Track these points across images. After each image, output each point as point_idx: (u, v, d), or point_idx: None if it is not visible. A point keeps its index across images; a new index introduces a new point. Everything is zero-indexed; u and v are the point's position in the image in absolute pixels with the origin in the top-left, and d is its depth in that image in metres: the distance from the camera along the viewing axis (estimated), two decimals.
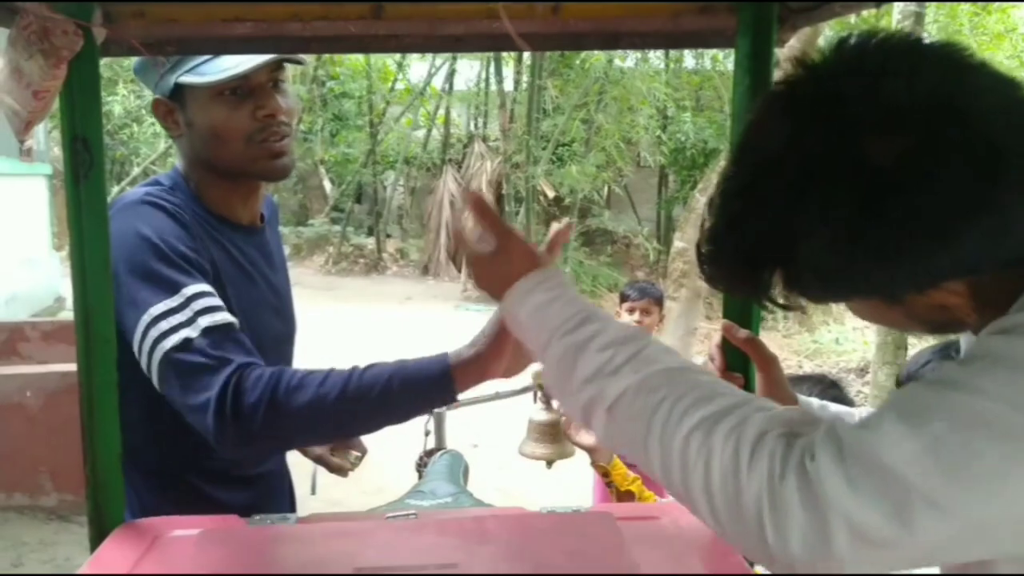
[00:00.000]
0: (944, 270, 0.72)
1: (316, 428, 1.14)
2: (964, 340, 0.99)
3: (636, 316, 3.76)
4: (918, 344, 5.27)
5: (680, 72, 13.94)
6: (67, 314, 9.58)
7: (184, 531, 1.05)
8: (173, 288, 1.19)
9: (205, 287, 1.22)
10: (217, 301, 1.22)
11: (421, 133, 16.14)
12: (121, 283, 1.20)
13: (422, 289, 13.66)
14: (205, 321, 1.17)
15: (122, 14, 1.09)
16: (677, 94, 13.44)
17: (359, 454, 1.82)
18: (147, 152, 15.45)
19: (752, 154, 0.77)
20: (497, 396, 2.27)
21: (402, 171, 16.20)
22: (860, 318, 0.87)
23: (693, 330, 8.61)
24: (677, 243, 8.91)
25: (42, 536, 4.19)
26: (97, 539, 1.09)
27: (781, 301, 0.80)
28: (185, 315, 1.17)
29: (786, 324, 13.09)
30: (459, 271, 14.03)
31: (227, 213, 1.44)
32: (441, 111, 15.57)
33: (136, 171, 15.61)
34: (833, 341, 11.90)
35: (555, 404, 2.07)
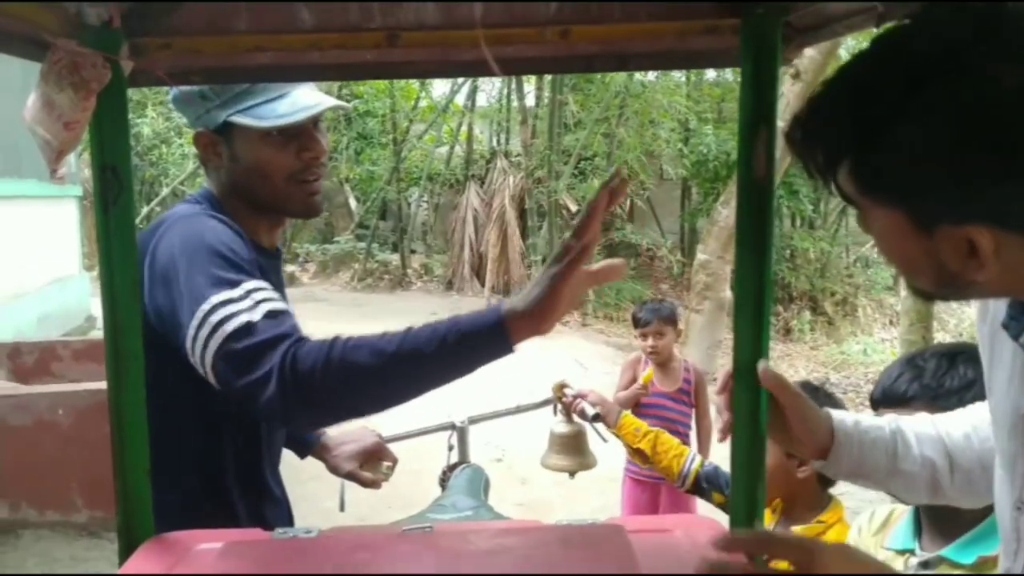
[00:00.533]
0: (997, 210, 0.75)
1: (375, 386, 1.11)
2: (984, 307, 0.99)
3: (650, 341, 3.72)
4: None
5: (701, 85, 13.94)
6: (98, 333, 9.73)
7: (210, 544, 1.08)
8: (233, 284, 1.22)
9: (263, 283, 1.26)
10: (275, 294, 1.25)
11: (444, 150, 16.24)
12: (181, 285, 1.24)
13: (447, 304, 13.71)
14: (266, 306, 1.19)
15: (149, 47, 1.14)
16: (698, 107, 13.45)
17: (390, 464, 1.85)
18: (176, 172, 15.68)
19: (893, 45, 0.80)
20: (519, 409, 2.29)
21: (426, 188, 16.31)
22: (881, 249, 0.88)
23: (718, 342, 8.57)
24: (700, 255, 8.89)
25: (73, 552, 4.25)
26: (127, 552, 1.13)
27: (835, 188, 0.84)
28: (246, 303, 1.19)
29: (813, 336, 13.01)
30: (482, 286, 14.08)
31: (254, 238, 1.50)
32: (464, 128, 15.68)
33: (165, 191, 15.84)
34: (860, 352, 11.80)
35: (575, 416, 2.09)
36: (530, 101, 14.30)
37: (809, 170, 0.85)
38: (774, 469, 1.71)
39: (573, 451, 2.01)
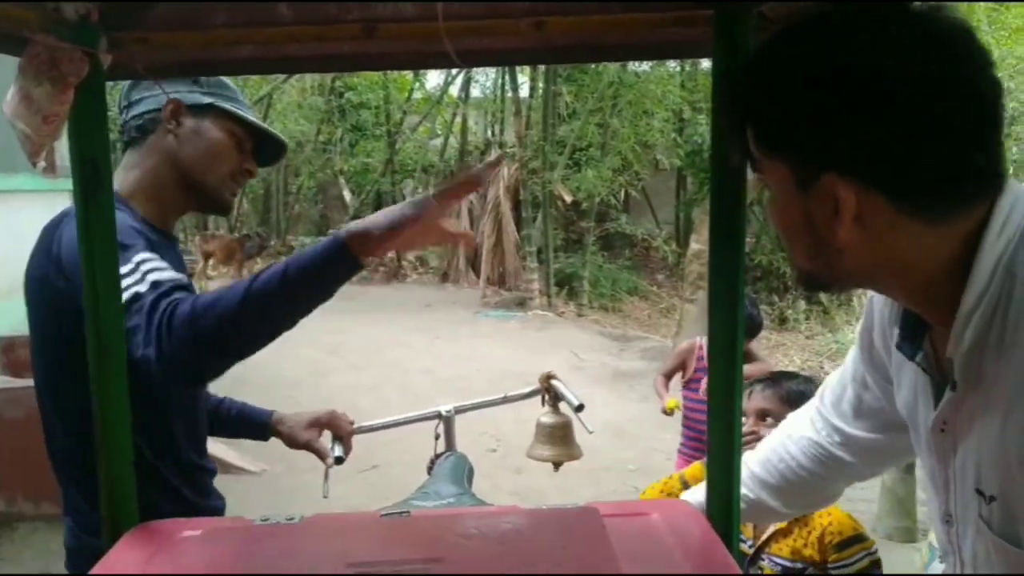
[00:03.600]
0: (847, 156, 0.84)
1: (240, 325, 1.18)
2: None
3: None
4: None
5: (695, 75, 13.94)
6: None
7: (193, 531, 1.09)
8: (127, 260, 1.28)
9: (152, 255, 1.32)
10: (163, 264, 1.32)
11: (438, 141, 16.25)
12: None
13: (442, 296, 13.73)
14: (152, 276, 1.26)
15: (126, 40, 1.15)
16: (692, 96, 13.45)
17: (347, 434, 1.98)
18: None
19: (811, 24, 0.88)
20: (506, 399, 2.29)
21: (420, 179, 16.31)
22: (773, 217, 0.96)
23: None
24: (694, 245, 8.92)
25: None
26: (111, 541, 1.14)
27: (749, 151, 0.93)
28: (135, 276, 1.26)
29: (808, 325, 13.04)
30: (478, 277, 14.10)
31: (156, 221, 1.58)
32: (458, 119, 15.68)
33: None
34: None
35: (562, 407, 2.11)
36: (524, 92, 14.29)
37: (734, 139, 0.95)
38: None
39: (559, 441, 2.03)
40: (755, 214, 13.35)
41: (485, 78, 15.44)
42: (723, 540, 1.06)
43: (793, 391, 2.10)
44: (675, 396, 3.91)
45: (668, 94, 12.97)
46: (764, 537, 1.97)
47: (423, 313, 12.13)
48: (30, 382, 5.19)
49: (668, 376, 4.01)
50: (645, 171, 14.12)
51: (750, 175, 1.17)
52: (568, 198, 14.19)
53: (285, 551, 0.89)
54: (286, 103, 15.42)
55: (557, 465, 2.04)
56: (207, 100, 1.58)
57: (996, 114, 0.84)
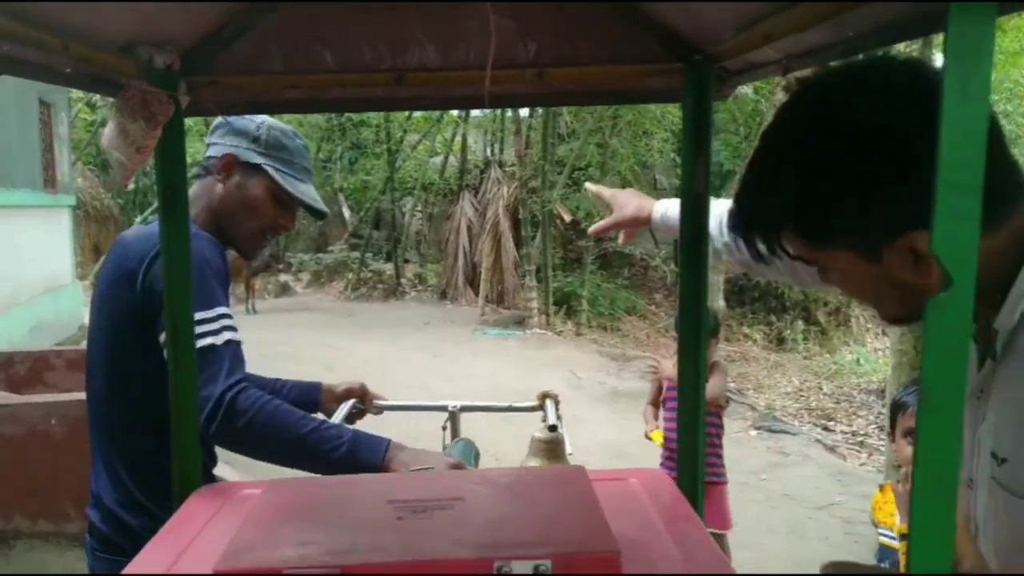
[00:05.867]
0: (908, 216, 0.87)
1: (276, 450, 1.54)
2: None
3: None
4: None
5: None
6: None
7: (254, 490, 1.32)
8: (210, 304, 1.55)
9: (228, 310, 1.59)
10: (234, 323, 1.59)
11: (438, 160, 16.46)
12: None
13: (440, 314, 13.87)
14: (227, 335, 1.55)
15: (200, 83, 1.39)
16: None
17: None
18: None
19: (797, 122, 0.95)
20: (509, 408, 2.46)
21: (420, 197, 16.53)
22: (847, 291, 1.02)
23: None
24: None
25: (66, 562, 4.26)
26: (180, 499, 1.37)
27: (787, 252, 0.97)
28: (213, 326, 1.54)
29: (807, 346, 13.19)
30: (476, 295, 14.28)
31: None
32: (458, 138, 15.91)
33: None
34: (854, 362, 11.95)
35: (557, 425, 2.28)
36: (524, 111, 14.57)
37: (756, 247, 0.99)
38: None
39: (551, 457, 2.18)
40: None
41: None
42: (688, 499, 1.29)
43: None
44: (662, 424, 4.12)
45: (667, 115, 13.23)
46: None
47: (422, 330, 12.26)
48: (28, 398, 5.20)
49: (655, 404, 4.21)
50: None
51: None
52: (567, 217, 14.40)
53: (337, 495, 1.12)
54: (287, 120, 15.67)
55: None
56: (258, 161, 1.75)
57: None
